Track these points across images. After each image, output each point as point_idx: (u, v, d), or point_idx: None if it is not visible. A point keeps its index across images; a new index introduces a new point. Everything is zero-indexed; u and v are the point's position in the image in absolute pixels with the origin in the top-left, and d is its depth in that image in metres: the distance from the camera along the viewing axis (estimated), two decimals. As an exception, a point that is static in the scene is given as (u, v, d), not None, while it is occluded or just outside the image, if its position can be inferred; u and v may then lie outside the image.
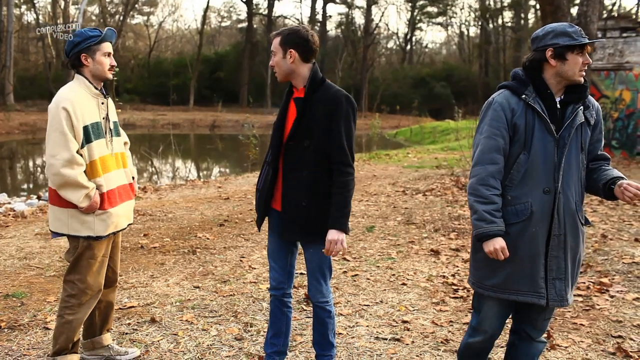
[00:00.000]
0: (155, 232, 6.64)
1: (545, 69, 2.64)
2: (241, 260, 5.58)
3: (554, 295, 2.62)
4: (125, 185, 3.35)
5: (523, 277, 2.62)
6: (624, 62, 14.91)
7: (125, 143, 3.50)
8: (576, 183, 2.64)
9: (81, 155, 3.08)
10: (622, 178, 2.60)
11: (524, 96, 2.62)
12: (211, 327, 3.97)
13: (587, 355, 3.67)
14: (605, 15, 16.87)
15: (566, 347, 3.77)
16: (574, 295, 4.70)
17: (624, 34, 15.04)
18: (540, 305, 2.67)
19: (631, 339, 3.90)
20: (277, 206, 3.04)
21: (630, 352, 3.68)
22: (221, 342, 3.75)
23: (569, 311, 4.39)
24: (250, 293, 4.66)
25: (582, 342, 3.85)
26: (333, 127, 2.89)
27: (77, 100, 3.08)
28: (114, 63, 3.22)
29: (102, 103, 3.22)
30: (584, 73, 2.59)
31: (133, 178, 3.45)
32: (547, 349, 3.72)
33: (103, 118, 3.21)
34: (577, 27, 2.61)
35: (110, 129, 3.25)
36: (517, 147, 2.61)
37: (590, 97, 2.72)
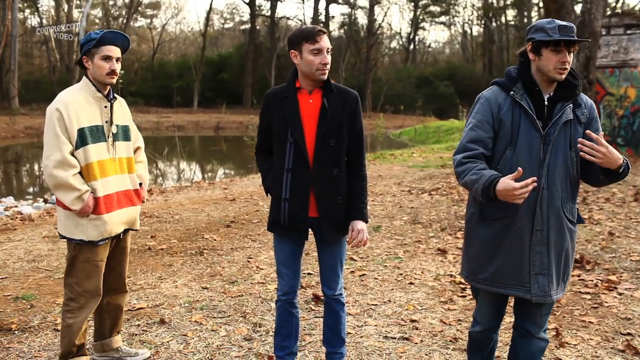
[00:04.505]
0: (162, 234, 6.67)
1: (531, 63, 2.66)
2: (248, 261, 5.59)
3: (537, 291, 2.63)
4: (128, 191, 3.27)
5: (510, 271, 2.64)
6: (628, 59, 14.87)
7: (138, 148, 3.46)
8: (563, 180, 2.63)
9: (76, 157, 3.04)
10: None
11: (512, 92, 2.64)
12: (220, 327, 3.99)
13: (596, 352, 3.66)
14: (609, 13, 16.81)
15: (575, 344, 3.77)
16: (583, 293, 4.72)
17: (629, 31, 14.99)
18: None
19: (640, 336, 3.89)
20: (312, 212, 3.00)
21: (640, 349, 3.67)
22: (230, 342, 3.76)
23: (578, 309, 4.39)
24: (258, 294, 4.67)
25: (591, 339, 3.84)
26: (354, 124, 3.01)
27: (74, 103, 3.04)
28: (114, 67, 3.11)
29: (105, 107, 3.17)
30: (562, 71, 2.55)
31: (141, 184, 3.38)
32: (556, 346, 3.72)
33: (106, 122, 3.16)
34: (563, 23, 2.53)
35: (112, 133, 3.19)
36: (504, 143, 2.62)
37: (583, 95, 2.72)
